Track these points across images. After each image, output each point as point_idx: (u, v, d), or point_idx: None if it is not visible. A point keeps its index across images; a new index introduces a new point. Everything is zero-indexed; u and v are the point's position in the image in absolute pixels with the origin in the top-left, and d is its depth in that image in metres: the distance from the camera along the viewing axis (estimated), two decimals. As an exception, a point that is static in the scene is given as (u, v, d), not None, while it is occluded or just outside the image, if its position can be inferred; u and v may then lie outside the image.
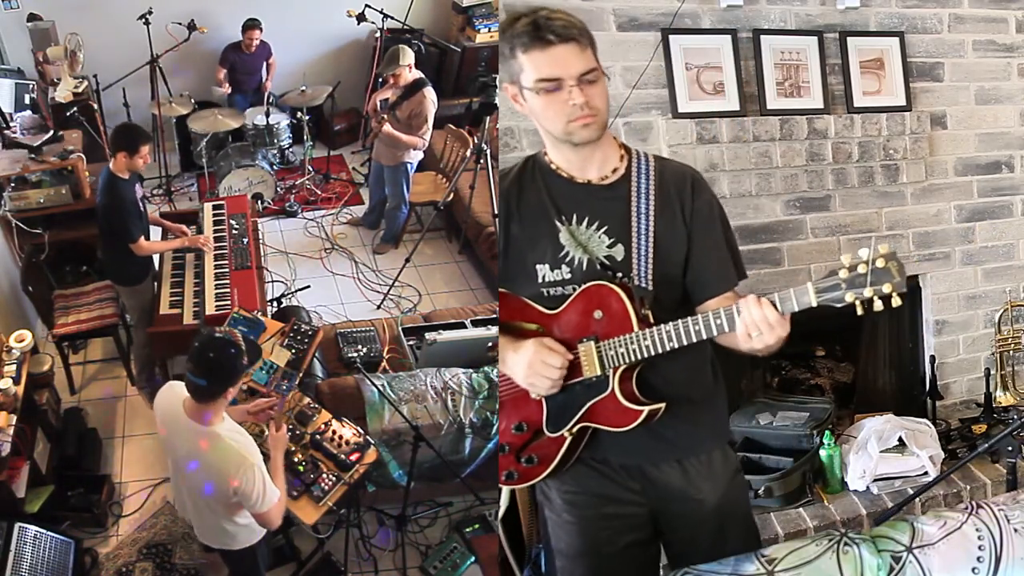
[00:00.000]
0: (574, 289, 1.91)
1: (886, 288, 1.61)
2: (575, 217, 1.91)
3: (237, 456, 2.49)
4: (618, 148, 1.95)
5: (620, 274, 1.89)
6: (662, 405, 1.88)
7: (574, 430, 1.94)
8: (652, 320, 1.85)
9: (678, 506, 2.06)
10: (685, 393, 1.97)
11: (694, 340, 1.79)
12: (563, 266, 1.91)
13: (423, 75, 5.32)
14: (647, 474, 2.04)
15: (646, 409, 1.87)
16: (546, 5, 1.78)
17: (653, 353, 1.83)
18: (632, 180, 1.90)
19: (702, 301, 1.94)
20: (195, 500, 2.69)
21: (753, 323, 1.72)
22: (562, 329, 1.92)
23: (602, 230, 1.91)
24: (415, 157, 5.46)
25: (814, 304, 1.68)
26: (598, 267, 1.89)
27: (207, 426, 2.51)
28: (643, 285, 1.87)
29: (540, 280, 1.93)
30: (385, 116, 5.17)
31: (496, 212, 4.62)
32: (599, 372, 1.88)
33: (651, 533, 2.12)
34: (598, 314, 1.87)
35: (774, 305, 1.71)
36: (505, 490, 2.71)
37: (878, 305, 1.63)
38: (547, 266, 1.92)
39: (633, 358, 1.85)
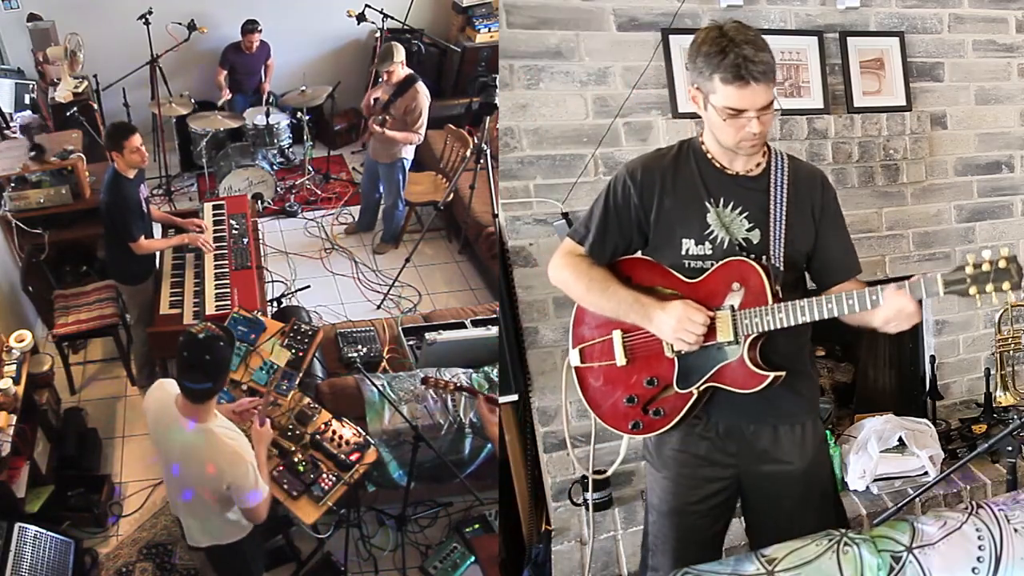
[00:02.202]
0: (711, 264, 2.12)
1: (1005, 286, 1.84)
2: (722, 200, 2.12)
3: (232, 453, 2.52)
4: (763, 146, 2.15)
5: (753, 255, 2.10)
6: (783, 373, 2.08)
7: (701, 388, 2.14)
8: (781, 296, 2.05)
9: (770, 468, 2.23)
10: (792, 365, 2.13)
11: (825, 316, 1.99)
12: (706, 243, 2.12)
13: (413, 72, 5.35)
14: (747, 438, 2.22)
15: (771, 375, 2.07)
16: (748, 41, 1.93)
17: (784, 325, 2.02)
18: (771, 174, 2.13)
19: (829, 286, 2.18)
20: (192, 496, 2.70)
21: (895, 312, 1.95)
22: (700, 296, 2.11)
23: (744, 215, 2.12)
24: (410, 153, 5.47)
25: (942, 295, 1.90)
26: (736, 248, 2.11)
27: (202, 423, 2.53)
28: (777, 265, 2.09)
29: (684, 252, 2.14)
30: (384, 117, 5.19)
31: (496, 212, 4.61)
32: (732, 338, 2.07)
33: (732, 498, 2.32)
34: (736, 286, 2.07)
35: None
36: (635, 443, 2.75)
37: (995, 300, 1.86)
38: (692, 241, 2.13)
39: (765, 328, 2.04)
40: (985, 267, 1.85)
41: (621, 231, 2.19)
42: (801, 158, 2.36)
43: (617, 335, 2.24)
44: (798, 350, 2.20)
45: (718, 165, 2.14)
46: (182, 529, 2.89)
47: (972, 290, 1.86)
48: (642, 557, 2.52)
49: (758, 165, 2.14)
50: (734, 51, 1.92)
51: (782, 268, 2.09)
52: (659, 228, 2.16)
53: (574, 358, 2.33)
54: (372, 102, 5.41)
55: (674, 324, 2.07)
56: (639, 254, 2.23)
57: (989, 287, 1.84)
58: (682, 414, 2.17)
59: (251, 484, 2.54)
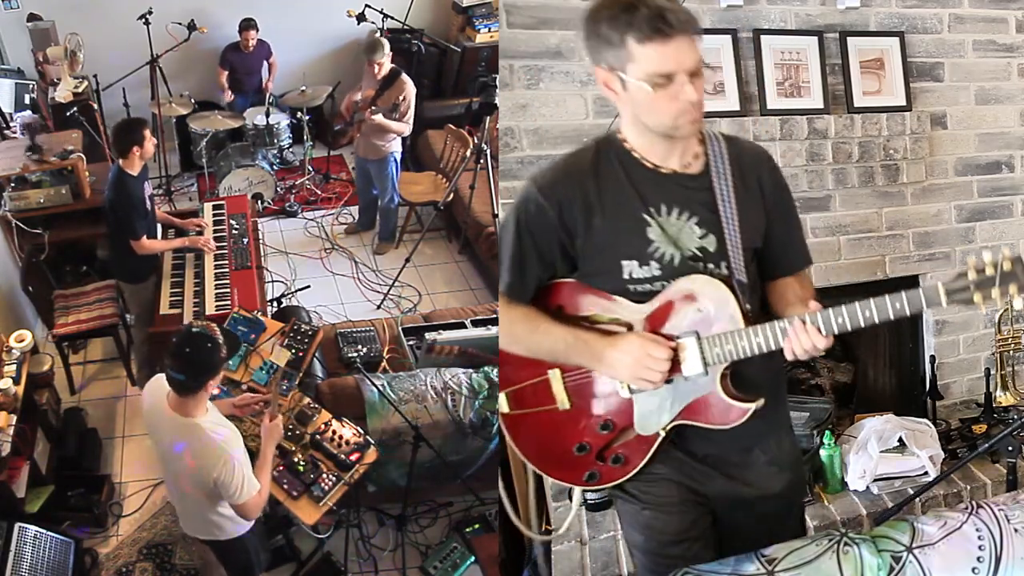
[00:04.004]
0: (663, 286, 1.81)
1: (1012, 289, 1.65)
2: (663, 208, 1.80)
3: (216, 448, 2.53)
4: (698, 132, 1.86)
5: (712, 266, 1.81)
6: (762, 400, 1.82)
7: (668, 428, 1.87)
8: (750, 317, 1.78)
9: (748, 492, 2.01)
10: (767, 382, 1.91)
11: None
12: (652, 262, 1.80)
13: (394, 66, 5.34)
14: (727, 460, 1.98)
15: (752, 405, 1.81)
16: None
17: (762, 351, 1.76)
18: (711, 166, 1.82)
19: (776, 278, 1.93)
20: (180, 490, 2.75)
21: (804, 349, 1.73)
22: (654, 325, 1.82)
23: (692, 220, 1.81)
24: (398, 146, 5.47)
25: (944, 306, 1.69)
26: (690, 262, 1.80)
27: (188, 418, 2.55)
28: (741, 279, 1.80)
29: (627, 277, 1.82)
30: (374, 108, 5.17)
31: (496, 212, 4.61)
32: (701, 369, 1.80)
33: (712, 522, 2.06)
34: (699, 309, 1.79)
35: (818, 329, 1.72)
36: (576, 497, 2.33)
37: (1000, 305, 1.66)
38: (635, 262, 1.81)
39: (741, 355, 1.77)
40: (988, 271, 1.65)
41: (541, 260, 1.84)
42: (780, 155, 2.12)
43: (555, 374, 1.93)
44: (776, 364, 1.92)
45: (649, 164, 1.81)
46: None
47: (976, 297, 1.65)
48: None
49: (696, 157, 1.83)
50: (644, 3, 1.61)
51: (746, 280, 1.81)
52: (591, 253, 1.83)
53: (502, 405, 2.00)
54: (354, 102, 5.39)
55: (631, 364, 1.78)
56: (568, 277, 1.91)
57: (995, 292, 1.65)
58: (647, 458, 1.89)
59: (237, 481, 2.54)
